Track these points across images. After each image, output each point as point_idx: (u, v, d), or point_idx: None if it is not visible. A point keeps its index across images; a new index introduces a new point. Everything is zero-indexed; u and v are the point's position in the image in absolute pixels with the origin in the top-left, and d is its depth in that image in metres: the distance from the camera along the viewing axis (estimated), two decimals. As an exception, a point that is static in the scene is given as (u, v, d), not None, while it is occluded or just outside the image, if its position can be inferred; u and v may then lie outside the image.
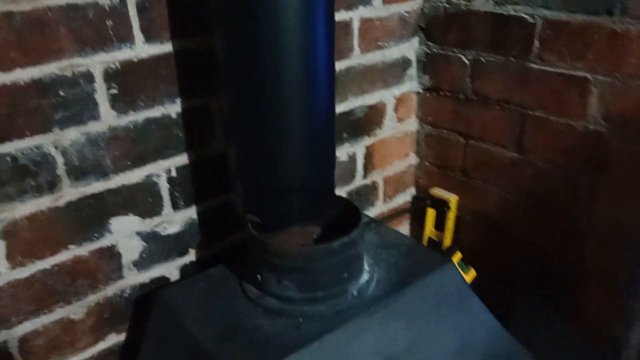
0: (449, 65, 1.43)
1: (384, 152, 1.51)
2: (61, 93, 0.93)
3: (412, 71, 1.49)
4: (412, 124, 1.55)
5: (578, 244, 1.28)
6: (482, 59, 1.35)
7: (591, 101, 1.18)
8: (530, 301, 1.41)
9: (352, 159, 1.44)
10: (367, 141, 1.45)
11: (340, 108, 1.35)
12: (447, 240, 1.51)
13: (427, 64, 1.48)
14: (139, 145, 1.04)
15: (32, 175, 0.94)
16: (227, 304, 1.00)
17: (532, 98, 1.28)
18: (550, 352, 1.32)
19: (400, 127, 1.52)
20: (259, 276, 0.99)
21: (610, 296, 1.26)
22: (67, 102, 0.94)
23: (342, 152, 1.40)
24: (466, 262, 1.34)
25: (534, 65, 1.25)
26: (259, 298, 0.99)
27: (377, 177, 1.53)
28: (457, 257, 1.31)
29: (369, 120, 1.44)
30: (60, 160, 0.96)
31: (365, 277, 1.04)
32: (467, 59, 1.38)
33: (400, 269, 1.08)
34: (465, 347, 1.06)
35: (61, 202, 0.98)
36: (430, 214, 1.54)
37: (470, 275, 1.31)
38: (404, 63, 1.46)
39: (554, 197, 1.30)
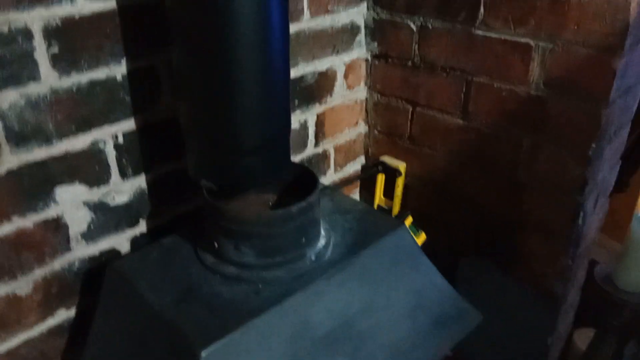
0: (397, 31, 1.44)
1: (335, 120, 1.52)
2: (-4, 51, 0.86)
3: (361, 37, 1.49)
4: (361, 92, 1.56)
5: (519, 203, 1.34)
6: (429, 25, 1.37)
7: (533, 67, 1.22)
8: (475, 262, 1.47)
9: (304, 126, 1.43)
10: (318, 109, 1.45)
11: (291, 74, 1.33)
12: (396, 208, 1.54)
13: (375, 30, 1.48)
14: (83, 109, 0.99)
15: (-35, 141, 0.87)
16: (183, 272, 0.98)
17: (477, 64, 1.31)
18: (494, 310, 1.40)
19: (350, 94, 1.53)
20: (215, 243, 0.98)
21: (549, 254, 1.34)
22: (3, 60, 0.87)
23: (294, 119, 1.39)
24: (418, 226, 1.38)
25: (479, 32, 1.28)
26: (216, 265, 0.98)
27: (328, 145, 1.53)
28: (408, 221, 1.35)
29: (320, 87, 1.43)
30: (-3, 125, 0.90)
31: (322, 241, 1.04)
32: (415, 25, 1.40)
33: (355, 233, 1.09)
34: (418, 307, 1.10)
35: (1, 171, 0.92)
36: (380, 181, 1.56)
37: (420, 238, 1.36)
38: (353, 29, 1.46)
39: (497, 159, 1.35)
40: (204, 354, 0.81)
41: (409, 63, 1.44)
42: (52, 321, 1.07)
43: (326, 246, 1.04)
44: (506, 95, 1.29)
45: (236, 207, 0.99)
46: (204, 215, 1.00)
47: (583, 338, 1.71)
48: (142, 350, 0.91)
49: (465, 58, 1.33)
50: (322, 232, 1.07)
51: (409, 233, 1.14)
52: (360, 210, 1.18)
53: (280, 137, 0.97)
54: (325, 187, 1.26)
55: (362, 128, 1.61)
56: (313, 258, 1.01)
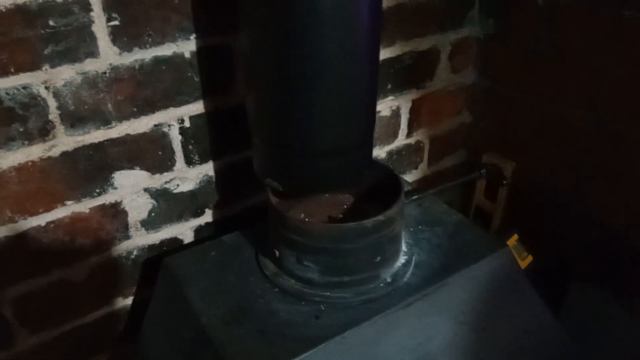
0: (520, 7, 1.19)
1: (434, 108, 1.32)
2: (51, 23, 0.77)
3: (475, 13, 1.26)
4: (469, 76, 1.34)
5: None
6: (561, 1, 1.11)
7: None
8: (588, 289, 1.22)
9: (396, 113, 1.25)
10: (414, 94, 1.26)
11: (385, 54, 1.15)
12: (498, 214, 1.33)
13: (492, 5, 1.24)
14: (146, 89, 0.89)
15: (20, 119, 0.81)
16: (239, 281, 0.87)
17: (622, 53, 1.04)
18: (607, 345, 1.16)
19: (454, 78, 1.31)
20: (276, 252, 0.85)
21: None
22: (58, 34, 0.78)
23: (384, 106, 1.21)
24: (524, 245, 1.16)
25: (628, 12, 1.01)
26: (276, 277, 0.86)
27: (423, 136, 1.34)
28: (513, 240, 1.13)
29: (419, 69, 1.23)
30: (52, 103, 0.82)
31: (401, 260, 0.88)
32: (543, 1, 1.14)
33: (445, 251, 0.91)
34: (516, 348, 0.90)
35: (55, 152, 0.85)
36: (481, 184, 1.35)
37: (526, 261, 1.14)
38: (465, 2, 1.23)
39: (635, 173, 1.08)
40: (246, 388, 0.69)
41: (533, 47, 1.19)
42: (108, 309, 1.02)
43: (406, 266, 0.88)
44: (656, 92, 1.02)
45: (303, 211, 0.86)
46: (267, 218, 0.87)
47: None
48: (186, 365, 0.82)
49: (607, 45, 1.06)
50: (403, 248, 0.90)
51: (512, 257, 0.94)
52: (453, 223, 0.99)
53: (361, 139, 0.80)
54: (414, 190, 1.08)
55: (466, 118, 1.40)
56: (388, 280, 0.85)
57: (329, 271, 0.81)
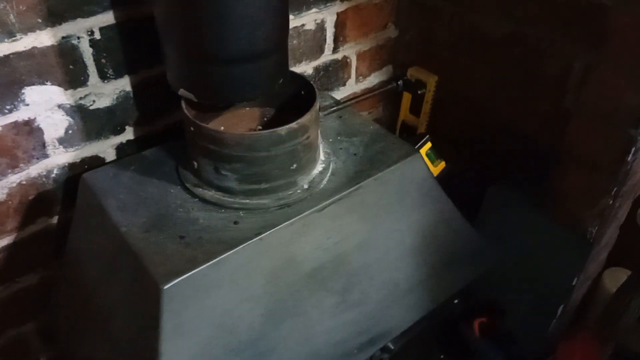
0: None
1: (359, 22, 1.32)
2: None
3: None
4: (393, -11, 1.34)
5: (562, 133, 1.16)
6: None
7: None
8: (503, 192, 1.32)
9: (320, 27, 1.24)
10: (338, 7, 1.25)
11: (306, -36, 1.13)
12: (422, 127, 1.38)
13: None
14: (49, -1, 0.85)
15: None
16: (159, 192, 0.88)
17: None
18: (517, 244, 1.27)
19: (379, -9, 1.31)
20: (195, 163, 0.86)
21: (589, 192, 1.17)
22: None
23: (308, 19, 1.20)
24: (438, 152, 1.22)
25: None
26: (196, 187, 0.88)
27: (350, 51, 1.34)
28: (426, 147, 1.19)
29: (342, -19, 1.22)
30: (-54, 14, 0.78)
31: (319, 168, 0.92)
32: None
33: (360, 159, 0.95)
34: (426, 245, 0.98)
35: (-45, 66, 0.82)
36: (406, 96, 1.39)
37: (438, 167, 1.20)
38: None
39: (543, 80, 1.15)
40: (165, 289, 0.73)
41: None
42: (33, 228, 1.02)
43: (323, 173, 0.91)
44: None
45: (223, 123, 0.87)
46: (184, 130, 0.88)
47: (613, 278, 1.57)
48: (111, 275, 0.85)
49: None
50: (321, 157, 0.94)
51: (423, 162, 0.99)
52: (371, 133, 1.03)
53: (272, 46, 0.80)
54: (335, 102, 1.11)
55: (392, 32, 1.41)
56: (305, 186, 0.89)
57: (246, 179, 0.84)
